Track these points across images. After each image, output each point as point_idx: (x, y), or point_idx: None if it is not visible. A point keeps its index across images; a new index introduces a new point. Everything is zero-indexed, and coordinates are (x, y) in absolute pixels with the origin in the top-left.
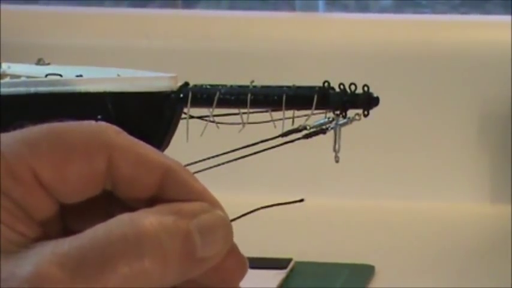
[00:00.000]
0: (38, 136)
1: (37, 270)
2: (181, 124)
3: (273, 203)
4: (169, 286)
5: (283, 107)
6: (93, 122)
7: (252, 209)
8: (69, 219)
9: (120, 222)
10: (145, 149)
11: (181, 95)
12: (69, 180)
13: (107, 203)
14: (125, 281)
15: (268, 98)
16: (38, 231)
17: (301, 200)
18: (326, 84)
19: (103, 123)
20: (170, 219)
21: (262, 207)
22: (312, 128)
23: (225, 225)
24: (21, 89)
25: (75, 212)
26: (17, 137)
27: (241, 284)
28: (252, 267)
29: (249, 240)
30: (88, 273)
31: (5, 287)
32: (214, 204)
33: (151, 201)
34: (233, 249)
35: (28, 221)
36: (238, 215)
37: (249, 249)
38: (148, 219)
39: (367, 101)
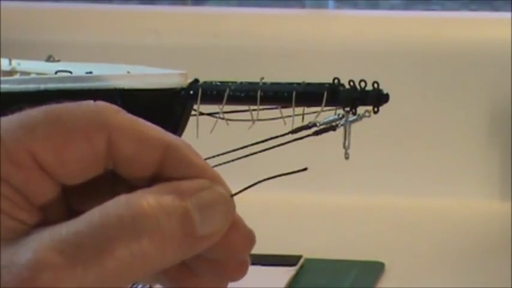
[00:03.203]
0: (36, 119)
1: (36, 256)
2: (191, 121)
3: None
4: (171, 265)
5: (293, 104)
6: (91, 102)
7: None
8: (74, 200)
9: (117, 204)
10: (145, 126)
11: (191, 92)
12: (69, 162)
13: (112, 182)
14: (124, 263)
15: (278, 95)
16: (37, 217)
17: (305, 169)
18: (336, 81)
19: (101, 103)
20: (168, 198)
21: (264, 179)
22: (322, 124)
23: (225, 202)
24: (31, 86)
25: (80, 193)
26: (14, 121)
27: (251, 281)
28: (262, 264)
29: (259, 237)
30: (86, 258)
31: (5, 274)
32: (215, 180)
33: (154, 179)
34: (238, 223)
35: (28, 207)
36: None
37: (258, 246)
38: (145, 199)
39: (377, 98)
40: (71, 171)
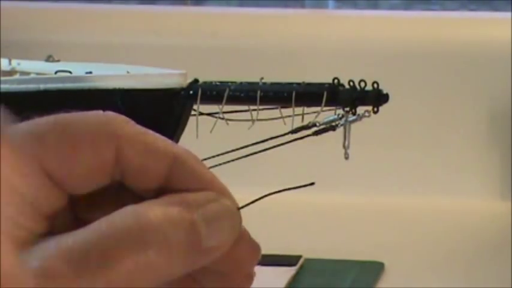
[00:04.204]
0: (45, 128)
1: (42, 265)
2: (191, 121)
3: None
4: (176, 277)
5: (293, 104)
6: (100, 112)
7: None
8: (80, 209)
9: (124, 215)
10: (153, 137)
11: (191, 92)
12: (77, 172)
13: (119, 193)
14: (130, 274)
15: (278, 95)
16: (44, 226)
17: (312, 184)
18: (336, 81)
19: (110, 113)
20: (175, 210)
21: (271, 193)
22: (322, 124)
23: (232, 214)
24: (31, 86)
25: (87, 202)
26: (23, 129)
27: None
28: (262, 264)
29: (259, 237)
30: (93, 267)
31: (12, 283)
32: (222, 192)
33: (161, 190)
34: (244, 236)
35: (35, 215)
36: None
37: None
38: (152, 210)
39: (376, 98)
40: (78, 181)
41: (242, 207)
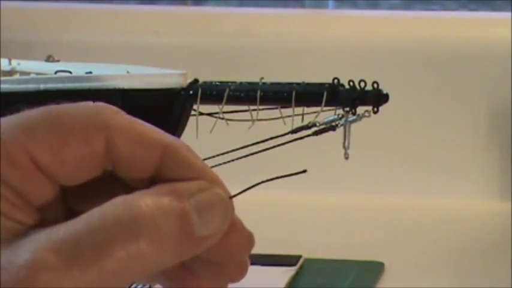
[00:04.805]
0: (35, 120)
1: (33, 257)
2: (191, 121)
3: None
4: (169, 266)
5: (293, 104)
6: (90, 103)
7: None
8: (73, 201)
9: (115, 205)
10: (144, 127)
11: (191, 92)
12: (67, 163)
13: (111, 183)
14: (122, 264)
15: (278, 95)
16: (36, 218)
17: (304, 171)
18: (335, 81)
19: (100, 104)
20: (166, 199)
21: (263, 181)
22: (322, 124)
23: (223, 203)
24: (31, 86)
25: (79, 194)
26: (13, 121)
27: (251, 281)
28: (261, 264)
29: (258, 236)
30: (84, 258)
31: (3, 275)
32: (214, 181)
33: (153, 180)
34: (236, 224)
35: (26, 207)
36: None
37: (258, 246)
38: (143, 200)
39: (376, 98)
40: (70, 172)
41: (234, 195)
